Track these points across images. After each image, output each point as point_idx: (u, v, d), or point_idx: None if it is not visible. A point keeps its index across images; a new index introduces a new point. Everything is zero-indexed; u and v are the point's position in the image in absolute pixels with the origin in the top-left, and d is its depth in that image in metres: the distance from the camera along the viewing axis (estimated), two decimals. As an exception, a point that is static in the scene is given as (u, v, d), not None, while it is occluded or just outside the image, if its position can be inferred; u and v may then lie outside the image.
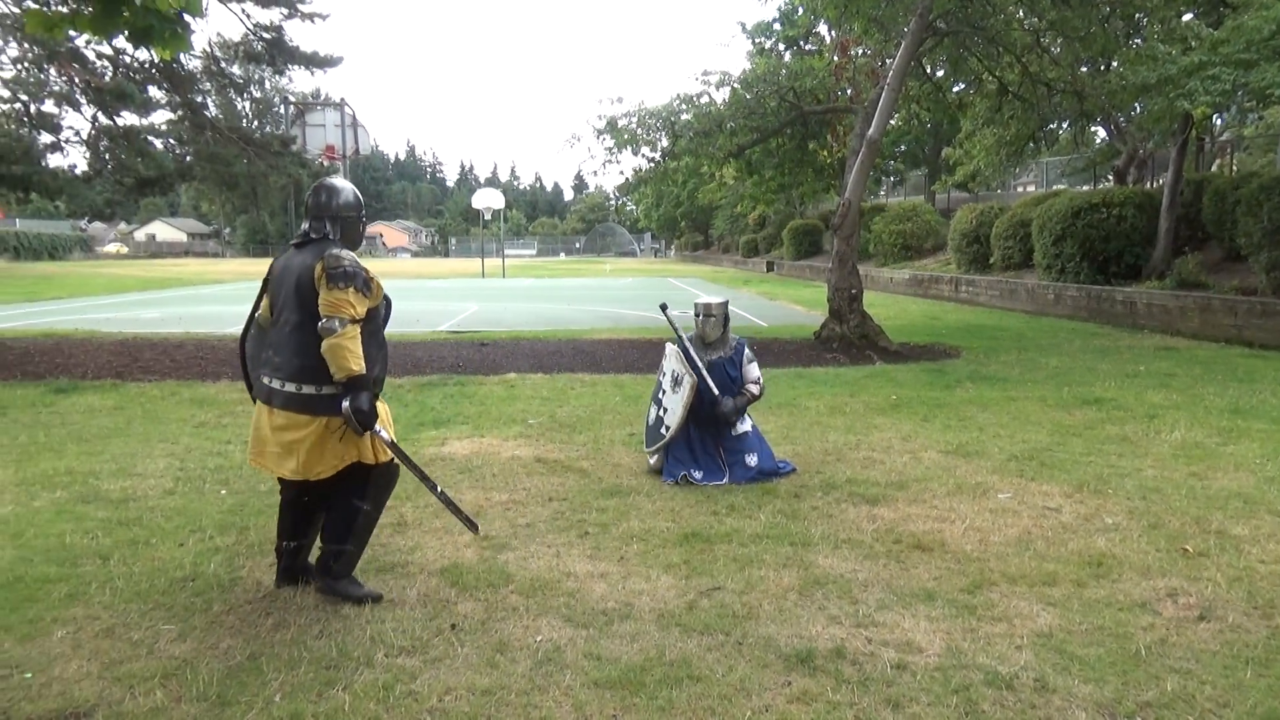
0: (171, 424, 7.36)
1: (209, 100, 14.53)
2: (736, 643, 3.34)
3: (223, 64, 13.09)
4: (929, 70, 15.40)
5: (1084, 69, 14.96)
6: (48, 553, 4.26)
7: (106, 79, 11.98)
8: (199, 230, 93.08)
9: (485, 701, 2.93)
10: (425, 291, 27.46)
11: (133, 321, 16.89)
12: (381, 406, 3.76)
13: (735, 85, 15.44)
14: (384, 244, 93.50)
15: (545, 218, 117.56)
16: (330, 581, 3.73)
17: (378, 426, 3.62)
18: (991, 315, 18.00)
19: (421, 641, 3.36)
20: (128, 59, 12.02)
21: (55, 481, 5.53)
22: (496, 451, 6.38)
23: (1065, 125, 22.70)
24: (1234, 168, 21.60)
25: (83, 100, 12.33)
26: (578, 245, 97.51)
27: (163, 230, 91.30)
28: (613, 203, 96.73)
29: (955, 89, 16.87)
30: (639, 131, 15.07)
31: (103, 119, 12.46)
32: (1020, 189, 32.44)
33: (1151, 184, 20.41)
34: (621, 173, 45.65)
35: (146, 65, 12.07)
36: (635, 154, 15.65)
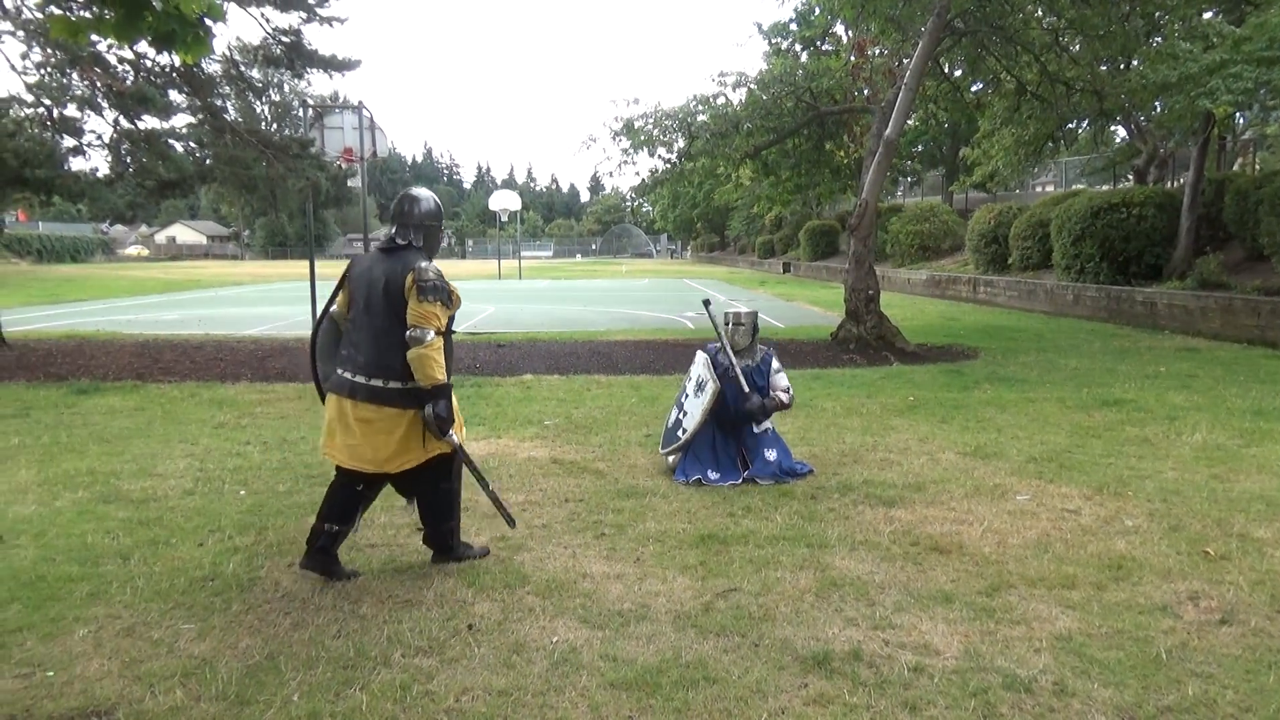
0: (191, 425, 7.43)
1: (228, 104, 14.60)
2: (753, 644, 3.34)
3: (242, 68, 13.16)
4: (947, 70, 15.31)
5: (1103, 68, 14.84)
6: (69, 552, 4.31)
7: (128, 83, 12.09)
8: (219, 233, 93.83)
9: (502, 702, 2.94)
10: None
11: (153, 323, 17.08)
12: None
13: (752, 86, 15.40)
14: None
15: (562, 219, 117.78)
16: (448, 555, 4.15)
17: (450, 432, 3.91)
18: (1010, 316, 17.88)
19: (438, 642, 3.37)
20: (149, 63, 12.11)
21: (77, 481, 5.59)
22: (513, 452, 6.40)
23: (1084, 124, 22.54)
24: (1256, 166, 21.40)
25: (104, 104, 12.43)
26: (594, 247, 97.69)
27: (183, 233, 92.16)
28: (629, 204, 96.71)
29: (973, 88, 16.77)
30: (655, 133, 15.05)
31: (124, 123, 12.57)
32: (1039, 189, 32.22)
33: (1172, 183, 20.22)
34: (638, 174, 45.72)
35: (167, 69, 12.16)
36: (651, 155, 15.64)
